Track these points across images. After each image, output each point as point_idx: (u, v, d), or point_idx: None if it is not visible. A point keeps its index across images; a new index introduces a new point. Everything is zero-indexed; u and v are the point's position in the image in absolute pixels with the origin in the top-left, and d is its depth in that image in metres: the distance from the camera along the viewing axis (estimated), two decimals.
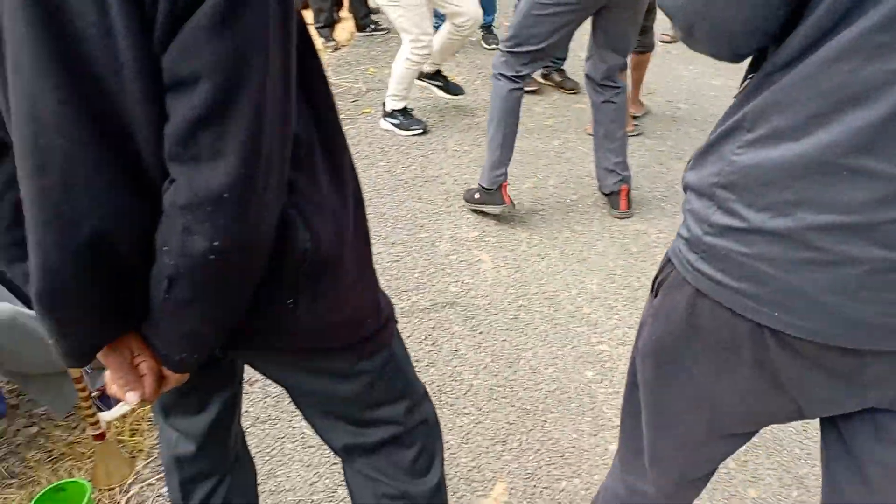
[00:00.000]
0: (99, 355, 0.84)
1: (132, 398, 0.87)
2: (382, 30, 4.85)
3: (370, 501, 1.17)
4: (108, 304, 0.79)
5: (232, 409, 1.18)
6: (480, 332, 2.34)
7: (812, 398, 0.86)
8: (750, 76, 0.81)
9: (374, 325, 1.02)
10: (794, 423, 2.00)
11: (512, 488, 1.81)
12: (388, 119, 3.62)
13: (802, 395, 0.86)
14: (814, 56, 0.69)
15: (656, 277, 0.95)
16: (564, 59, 4.13)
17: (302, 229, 0.83)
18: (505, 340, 2.31)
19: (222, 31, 0.65)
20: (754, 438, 1.08)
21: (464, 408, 2.05)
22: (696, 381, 0.94)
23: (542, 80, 4.22)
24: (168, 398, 1.12)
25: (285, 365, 1.03)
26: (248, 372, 1.50)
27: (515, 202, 2.97)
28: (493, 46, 4.59)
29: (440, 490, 1.19)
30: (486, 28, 4.72)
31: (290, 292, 0.86)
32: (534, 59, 2.70)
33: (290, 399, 1.13)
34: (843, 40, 0.66)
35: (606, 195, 3.00)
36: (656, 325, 0.96)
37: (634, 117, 3.73)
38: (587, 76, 2.90)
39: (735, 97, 0.81)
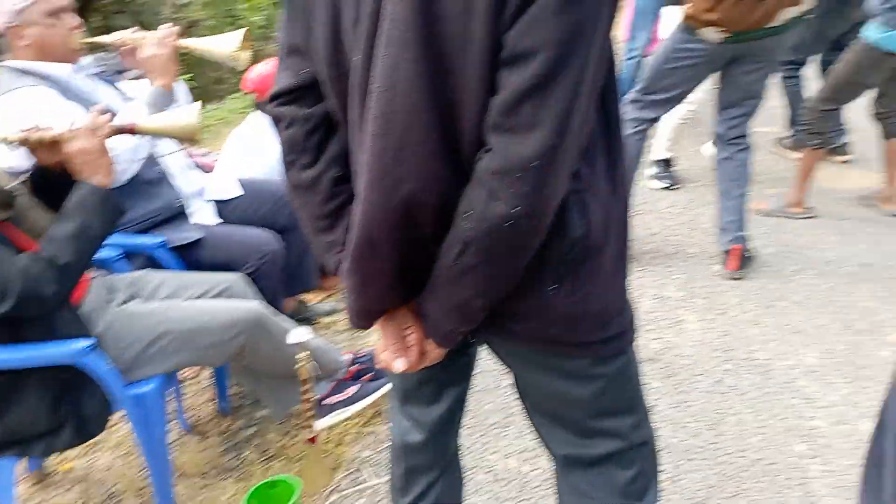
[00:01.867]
0: (378, 323, 0.98)
1: (400, 364, 0.99)
2: None
3: None
4: (403, 266, 0.91)
5: (461, 404, 1.27)
6: (681, 392, 2.28)
7: None
8: None
9: (619, 326, 1.02)
10: None
11: None
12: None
13: None
14: None
15: None
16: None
17: (578, 215, 0.88)
18: (707, 402, 2.22)
19: (566, 8, 0.73)
20: None
21: (659, 465, 2.00)
22: None
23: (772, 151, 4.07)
24: (409, 385, 1.23)
25: (527, 358, 1.06)
26: None
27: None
28: None
29: None
30: None
31: (554, 276, 0.91)
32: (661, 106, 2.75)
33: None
34: None
35: (724, 252, 2.86)
36: None
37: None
38: (716, 132, 2.81)
39: None
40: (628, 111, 2.80)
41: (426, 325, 0.97)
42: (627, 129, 2.80)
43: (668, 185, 3.72)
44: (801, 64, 3.86)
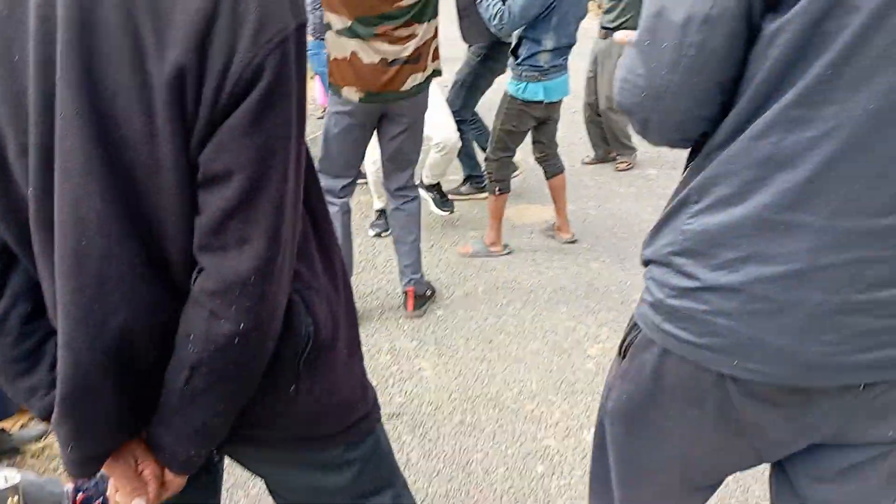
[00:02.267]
0: (105, 466, 0.86)
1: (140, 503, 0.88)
2: None
3: None
4: (125, 404, 0.83)
5: None
6: (429, 440, 2.37)
7: (771, 442, 0.97)
8: (691, 161, 0.95)
9: (364, 407, 1.05)
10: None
11: None
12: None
13: (762, 439, 0.97)
14: (745, 133, 0.83)
15: (623, 341, 1.04)
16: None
17: (304, 313, 0.88)
18: (455, 444, 2.34)
19: (253, 130, 0.73)
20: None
21: None
22: (665, 438, 1.03)
23: (465, 196, 4.46)
24: None
25: (277, 459, 1.04)
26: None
27: (449, 310, 3.11)
28: None
29: None
30: None
31: (291, 378, 0.90)
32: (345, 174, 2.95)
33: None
34: (767, 118, 0.80)
35: (403, 294, 3.19)
36: (625, 385, 1.05)
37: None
38: (384, 185, 3.14)
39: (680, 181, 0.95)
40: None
41: (162, 456, 0.88)
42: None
43: (379, 232, 3.91)
44: (473, 119, 4.33)
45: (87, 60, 0.69)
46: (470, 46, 4.14)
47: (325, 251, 0.96)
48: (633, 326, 1.03)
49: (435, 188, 4.05)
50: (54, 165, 0.73)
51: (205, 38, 0.69)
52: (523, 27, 3.16)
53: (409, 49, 2.64)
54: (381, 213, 3.96)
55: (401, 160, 2.99)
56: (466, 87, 4.15)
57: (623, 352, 1.05)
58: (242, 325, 0.77)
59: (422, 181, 3.86)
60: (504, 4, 3.07)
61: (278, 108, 0.75)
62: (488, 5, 3.12)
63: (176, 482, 0.92)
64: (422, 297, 3.15)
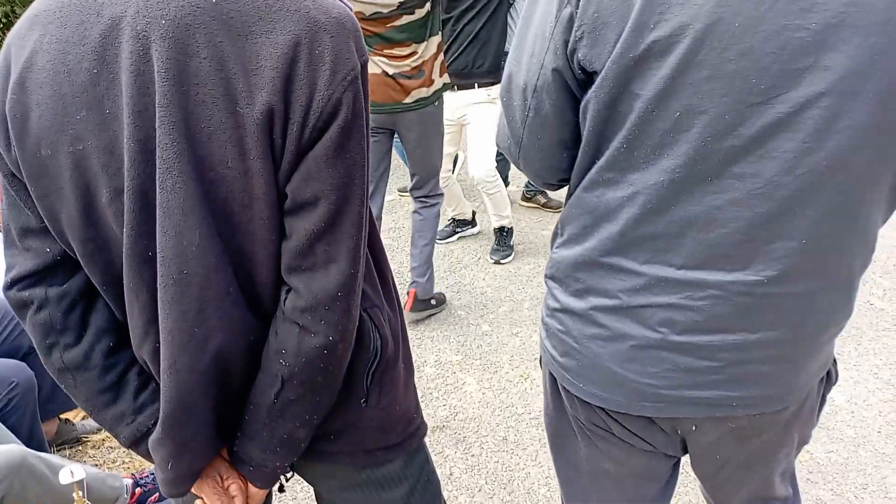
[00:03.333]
0: (195, 486, 0.93)
1: None
2: None
3: None
4: (218, 421, 0.90)
5: None
6: (472, 455, 2.41)
7: (657, 443, 1.08)
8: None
9: (419, 419, 1.12)
10: None
11: None
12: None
13: (647, 443, 1.08)
14: (580, 186, 0.96)
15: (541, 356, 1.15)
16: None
17: (372, 329, 0.96)
18: (497, 462, 2.38)
19: (336, 159, 0.80)
20: None
21: None
22: (582, 449, 1.14)
23: (525, 203, 4.49)
24: None
25: (338, 476, 1.09)
26: None
27: (494, 325, 3.15)
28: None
29: None
30: None
31: (361, 390, 0.98)
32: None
33: None
34: (591, 175, 0.93)
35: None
36: (544, 399, 1.18)
37: None
38: (409, 190, 3.21)
39: None
40: None
41: (249, 471, 0.95)
42: None
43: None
44: None
45: (185, 107, 0.75)
46: None
47: (381, 272, 1.03)
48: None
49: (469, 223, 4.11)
50: (153, 203, 0.79)
51: (288, 80, 0.76)
52: None
53: (408, 66, 2.69)
54: (453, 220, 4.05)
55: (419, 169, 3.06)
56: None
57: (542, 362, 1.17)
58: (331, 337, 0.85)
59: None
60: None
61: (355, 137, 0.82)
62: None
63: (259, 496, 0.99)
64: (423, 302, 3.20)
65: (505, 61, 3.61)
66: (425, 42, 2.69)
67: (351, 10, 0.82)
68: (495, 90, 3.39)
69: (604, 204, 0.91)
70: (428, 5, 2.60)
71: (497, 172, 3.60)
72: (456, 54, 3.30)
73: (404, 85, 2.74)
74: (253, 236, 0.82)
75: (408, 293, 3.18)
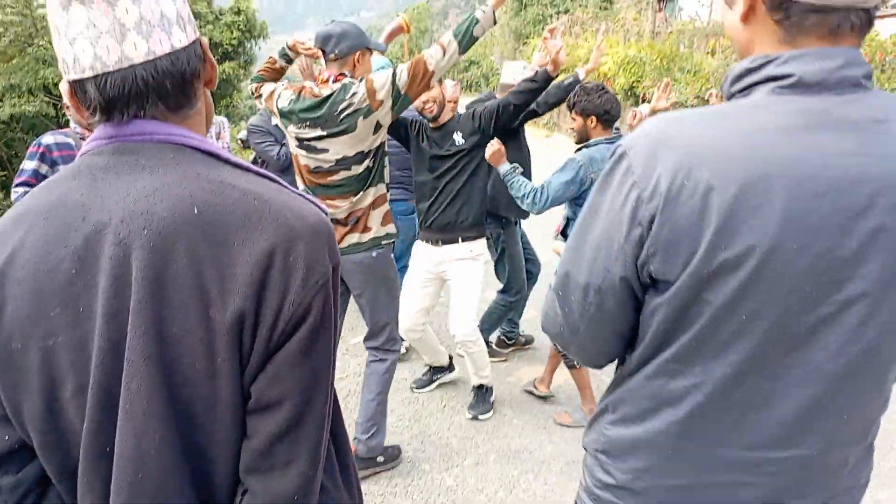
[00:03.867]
0: None
1: None
2: None
3: None
4: None
5: None
6: None
7: None
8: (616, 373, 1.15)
9: None
10: None
11: None
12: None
13: None
14: (642, 371, 1.04)
15: None
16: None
17: None
18: None
19: (303, 361, 0.81)
20: None
21: None
22: None
23: (500, 349, 4.42)
24: None
25: None
26: None
27: (459, 479, 3.03)
28: None
29: None
30: None
31: None
32: None
33: None
34: (655, 364, 1.02)
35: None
36: None
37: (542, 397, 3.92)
38: (364, 343, 3.16)
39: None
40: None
41: None
42: None
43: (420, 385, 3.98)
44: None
45: (159, 311, 0.77)
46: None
47: (341, 461, 1.01)
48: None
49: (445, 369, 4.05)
50: (117, 402, 0.79)
51: (262, 286, 0.78)
52: (571, 210, 3.27)
53: (342, 212, 2.78)
54: (430, 368, 3.99)
55: (367, 319, 3.04)
56: (503, 261, 4.11)
57: None
58: None
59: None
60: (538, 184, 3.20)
61: (322, 339, 0.83)
62: (520, 185, 3.22)
63: None
64: (365, 461, 3.08)
65: (486, 218, 3.71)
66: (362, 193, 2.78)
67: (326, 213, 0.87)
68: (478, 246, 3.45)
69: (667, 391, 1.01)
70: (367, 162, 2.73)
71: (478, 330, 3.54)
72: (440, 210, 3.37)
73: (337, 230, 2.81)
74: (214, 436, 0.82)
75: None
